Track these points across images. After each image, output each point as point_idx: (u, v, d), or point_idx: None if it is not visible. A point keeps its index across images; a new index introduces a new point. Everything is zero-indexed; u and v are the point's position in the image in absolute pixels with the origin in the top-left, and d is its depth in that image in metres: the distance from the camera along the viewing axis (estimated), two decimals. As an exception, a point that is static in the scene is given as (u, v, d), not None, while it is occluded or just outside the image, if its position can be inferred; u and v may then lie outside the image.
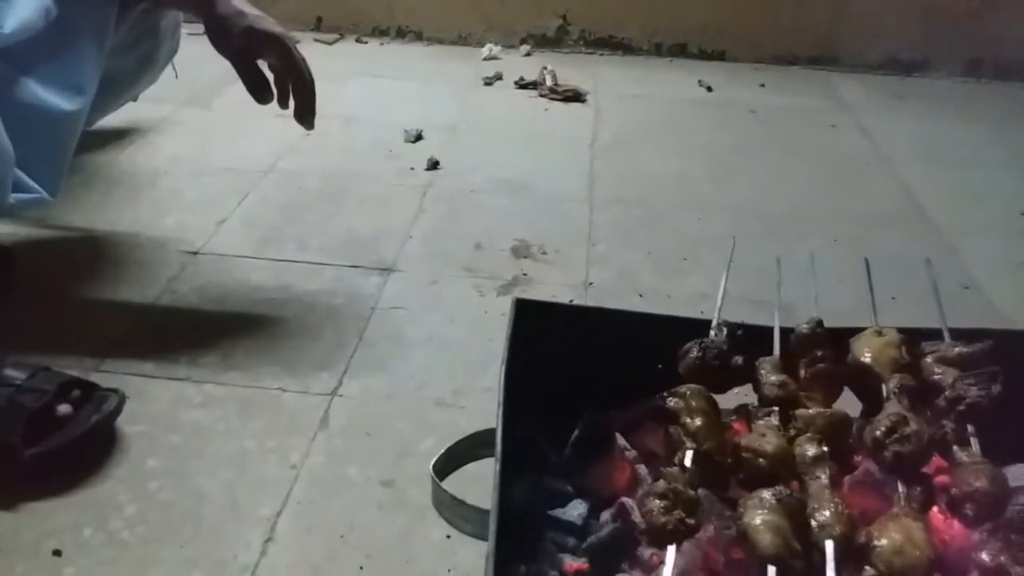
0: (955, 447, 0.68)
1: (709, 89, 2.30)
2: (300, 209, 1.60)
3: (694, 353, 0.76)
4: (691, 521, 0.59)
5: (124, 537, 0.90)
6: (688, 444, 0.65)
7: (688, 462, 0.64)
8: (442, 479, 0.76)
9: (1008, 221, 1.67)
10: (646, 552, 0.73)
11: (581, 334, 0.88)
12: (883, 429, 0.65)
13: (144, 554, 0.88)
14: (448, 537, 0.92)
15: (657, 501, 0.59)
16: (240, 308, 1.30)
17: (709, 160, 1.90)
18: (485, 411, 1.09)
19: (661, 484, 0.60)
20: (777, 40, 2.49)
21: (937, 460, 0.70)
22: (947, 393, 0.73)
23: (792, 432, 0.69)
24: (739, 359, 0.77)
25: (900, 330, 0.80)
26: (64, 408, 1.00)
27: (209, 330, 1.24)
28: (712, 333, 0.81)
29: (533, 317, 0.87)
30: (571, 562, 0.72)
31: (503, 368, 0.78)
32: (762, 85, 2.37)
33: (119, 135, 1.84)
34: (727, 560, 0.70)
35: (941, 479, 0.66)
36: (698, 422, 0.67)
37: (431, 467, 0.74)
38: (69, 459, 0.97)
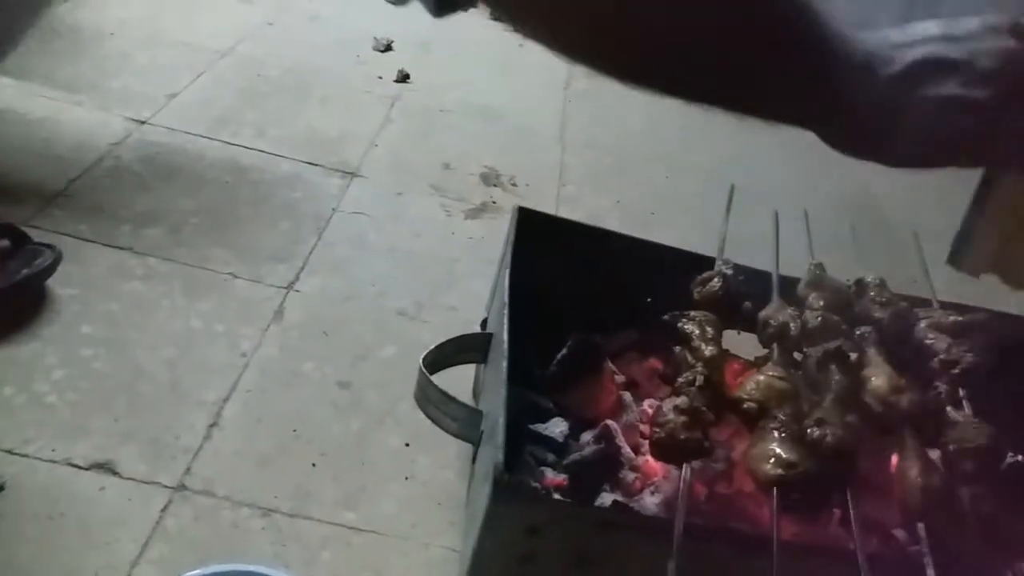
0: (948, 408, 0.68)
1: None
2: (259, 97, 1.49)
3: (715, 283, 0.74)
4: (707, 444, 0.57)
5: (51, 401, 0.82)
6: (699, 369, 0.63)
7: (698, 385, 0.62)
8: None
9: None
10: (629, 475, 0.71)
11: (578, 253, 0.85)
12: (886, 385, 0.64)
13: (72, 421, 0.80)
14: (407, 445, 0.88)
15: (678, 416, 0.57)
16: (190, 186, 1.20)
17: (680, 119, 1.88)
18: (449, 328, 1.05)
19: (683, 399, 0.58)
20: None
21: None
22: (942, 356, 0.73)
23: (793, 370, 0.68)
24: (749, 304, 0.75)
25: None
26: (-11, 256, 0.90)
27: (155, 203, 1.14)
28: (718, 269, 0.79)
29: (534, 228, 0.83)
30: (551, 476, 0.70)
31: (506, 271, 0.74)
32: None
33: (60, -15, 1.67)
34: (712, 493, 0.69)
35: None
36: (712, 349, 0.65)
37: (421, 361, 0.70)
38: (-8, 311, 0.88)
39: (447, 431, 0.69)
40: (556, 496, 0.54)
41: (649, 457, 0.70)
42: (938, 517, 0.54)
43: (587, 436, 0.75)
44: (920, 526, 0.54)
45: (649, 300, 0.87)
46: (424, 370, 0.69)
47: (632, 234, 1.36)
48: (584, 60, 0.47)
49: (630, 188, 1.54)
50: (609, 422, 0.74)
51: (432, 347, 0.73)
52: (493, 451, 0.54)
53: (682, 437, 0.56)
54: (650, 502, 0.66)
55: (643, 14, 0.43)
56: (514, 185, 1.44)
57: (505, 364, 0.62)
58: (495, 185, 1.43)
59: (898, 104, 0.46)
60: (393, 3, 0.67)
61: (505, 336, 0.65)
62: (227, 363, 0.92)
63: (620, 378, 0.79)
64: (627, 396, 0.78)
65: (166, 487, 0.77)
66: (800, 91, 0.46)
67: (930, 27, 0.48)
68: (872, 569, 0.50)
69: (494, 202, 1.38)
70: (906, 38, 0.47)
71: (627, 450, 0.71)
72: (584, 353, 0.80)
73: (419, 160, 1.43)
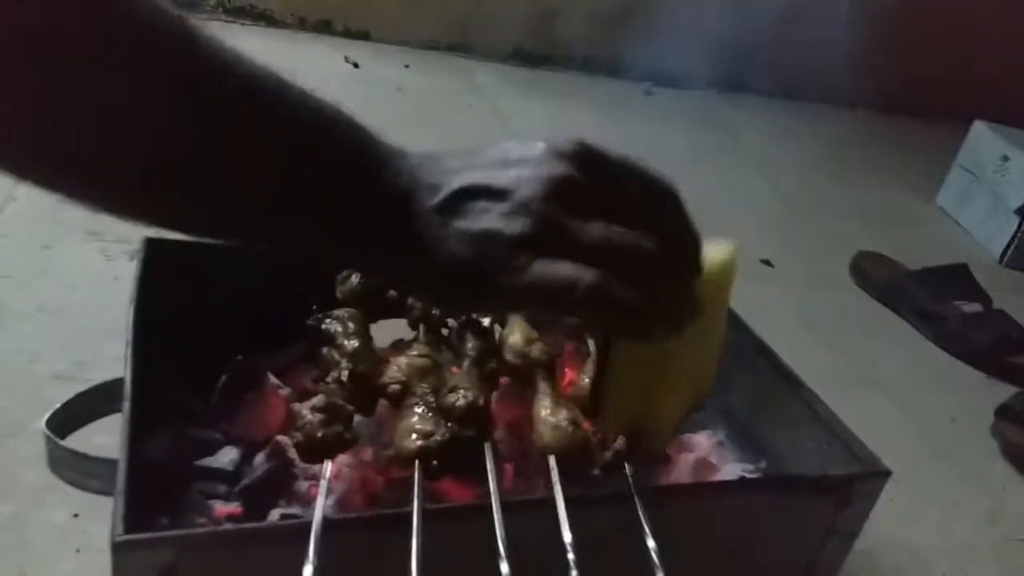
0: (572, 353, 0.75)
1: (356, 65, 2.31)
2: None
3: (353, 279, 0.75)
4: (348, 436, 0.58)
5: None
6: (344, 364, 0.64)
7: (344, 380, 0.62)
8: (63, 438, 0.65)
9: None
10: (303, 485, 0.70)
11: (226, 276, 0.82)
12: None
13: None
14: (76, 516, 0.80)
15: (315, 415, 0.57)
16: None
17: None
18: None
19: (319, 398, 0.58)
20: (421, 25, 2.58)
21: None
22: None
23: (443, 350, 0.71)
24: (394, 292, 0.77)
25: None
26: None
27: None
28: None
29: (170, 259, 0.79)
30: (222, 508, 0.67)
31: (132, 307, 0.70)
32: (407, 66, 2.43)
33: None
34: (387, 480, 0.70)
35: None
36: (355, 343, 0.66)
37: (44, 424, 0.63)
38: None
39: (92, 491, 0.64)
40: (173, 532, 0.51)
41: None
42: (568, 449, 0.59)
43: (260, 457, 0.73)
44: (551, 459, 0.58)
45: (314, 307, 0.87)
46: (48, 433, 0.63)
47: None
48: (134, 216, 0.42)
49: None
50: (280, 437, 0.72)
51: (58, 406, 0.66)
52: (115, 501, 0.51)
53: (319, 435, 0.56)
54: (324, 506, 0.65)
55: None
56: (185, 218, 1.36)
57: (128, 404, 0.58)
58: (163, 221, 1.35)
59: (434, 241, 0.39)
60: None
61: (128, 374, 0.61)
62: None
63: (286, 391, 0.77)
64: (298, 407, 0.76)
65: None
66: (346, 237, 0.41)
67: (491, 151, 0.41)
68: (506, 511, 0.53)
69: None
70: (461, 164, 0.41)
71: (300, 461, 0.70)
72: (246, 376, 0.77)
73: (69, 207, 1.30)
